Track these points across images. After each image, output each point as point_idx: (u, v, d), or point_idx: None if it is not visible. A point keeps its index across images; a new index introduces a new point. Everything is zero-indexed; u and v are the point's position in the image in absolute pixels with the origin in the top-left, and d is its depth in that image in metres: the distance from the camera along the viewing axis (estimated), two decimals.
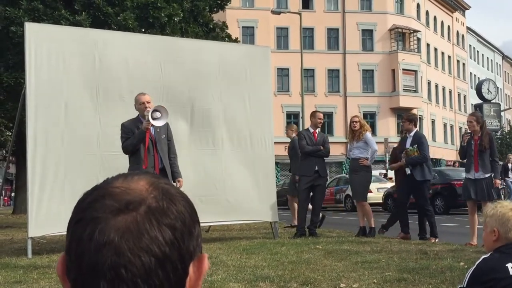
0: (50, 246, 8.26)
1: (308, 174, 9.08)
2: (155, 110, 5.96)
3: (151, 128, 6.20)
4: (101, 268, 0.69)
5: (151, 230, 0.70)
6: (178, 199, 0.75)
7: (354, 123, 9.20)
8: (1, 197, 43.39)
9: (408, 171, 8.65)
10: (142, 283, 0.69)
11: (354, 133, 9.17)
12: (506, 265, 2.12)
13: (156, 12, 15.33)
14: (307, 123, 27.28)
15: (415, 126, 8.99)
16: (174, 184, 6.52)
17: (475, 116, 7.96)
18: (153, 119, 5.94)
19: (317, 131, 9.36)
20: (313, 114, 9.63)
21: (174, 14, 15.74)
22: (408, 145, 8.72)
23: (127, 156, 7.43)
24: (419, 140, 8.70)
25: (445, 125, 50.65)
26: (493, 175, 7.74)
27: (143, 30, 15.19)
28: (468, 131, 8.05)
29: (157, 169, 6.25)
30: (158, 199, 0.73)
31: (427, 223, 8.65)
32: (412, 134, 8.81)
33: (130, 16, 14.81)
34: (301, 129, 36.58)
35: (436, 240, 8.37)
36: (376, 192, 19.91)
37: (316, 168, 9.09)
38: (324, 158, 9.39)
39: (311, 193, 9.38)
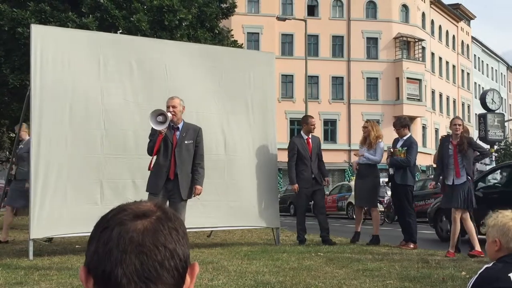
0: (51, 248, 8.25)
1: (306, 186, 8.94)
2: (160, 114, 5.95)
3: (177, 133, 6.21)
4: (128, 258, 0.88)
5: (163, 230, 0.92)
6: (176, 215, 0.99)
7: (364, 128, 9.25)
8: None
9: (391, 171, 8.68)
10: (159, 267, 0.89)
11: (366, 139, 9.15)
12: (509, 275, 2.11)
13: (171, 15, 15.36)
14: None
15: (409, 131, 8.99)
16: (192, 190, 6.48)
17: (461, 119, 7.82)
18: (159, 122, 5.93)
19: (310, 136, 9.19)
20: (305, 120, 9.33)
21: (184, 19, 15.79)
22: (398, 146, 8.74)
23: (130, 158, 7.47)
24: (410, 145, 8.68)
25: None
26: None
27: (155, 34, 15.19)
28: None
29: (172, 173, 6.20)
30: (163, 212, 0.96)
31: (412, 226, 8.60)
32: (405, 138, 8.80)
33: (143, 18, 14.83)
34: None
35: (415, 246, 8.31)
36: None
37: (313, 176, 9.02)
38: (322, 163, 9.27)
39: (311, 201, 9.34)
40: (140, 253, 0.89)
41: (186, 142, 6.27)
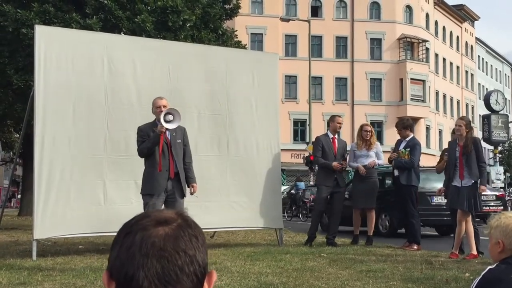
0: (55, 248, 8.27)
1: (328, 184, 8.89)
2: (168, 113, 5.97)
3: (167, 132, 6.22)
4: (149, 261, 0.92)
5: (184, 236, 0.96)
6: (196, 223, 1.02)
7: (367, 132, 9.20)
8: (14, 199, 43.53)
9: (396, 172, 8.68)
10: (179, 271, 0.93)
11: (365, 142, 9.15)
12: None
13: (175, 16, 15.37)
14: (314, 131, 26.99)
15: (412, 132, 8.97)
16: (188, 188, 6.53)
17: (465, 120, 7.63)
18: (166, 122, 5.95)
19: (336, 136, 9.20)
20: (332, 118, 9.40)
21: (188, 20, 15.80)
22: (401, 147, 8.73)
23: (133, 160, 7.44)
24: (413, 146, 8.68)
25: None
26: (479, 180, 7.35)
27: (159, 35, 15.20)
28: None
29: (172, 172, 6.23)
30: (184, 220, 1.00)
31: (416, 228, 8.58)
32: (408, 139, 8.79)
33: (148, 19, 14.85)
34: (306, 137, 35.94)
35: (418, 248, 8.28)
36: None
37: (335, 176, 8.96)
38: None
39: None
40: (162, 257, 0.92)
41: (178, 141, 6.34)
